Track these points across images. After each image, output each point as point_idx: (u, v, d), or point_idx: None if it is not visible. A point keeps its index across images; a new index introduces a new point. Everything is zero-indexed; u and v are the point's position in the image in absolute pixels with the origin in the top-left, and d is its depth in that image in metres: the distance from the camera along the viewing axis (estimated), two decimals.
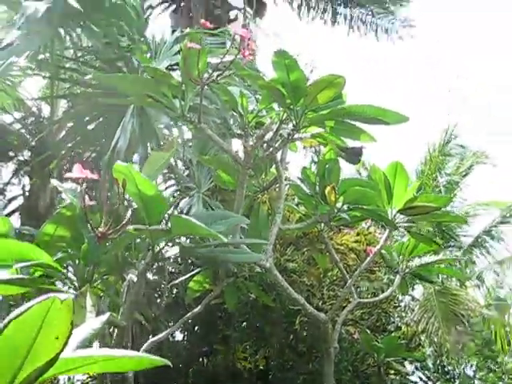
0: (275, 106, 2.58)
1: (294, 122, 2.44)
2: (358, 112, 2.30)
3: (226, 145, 2.48)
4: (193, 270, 3.14)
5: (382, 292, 4.78)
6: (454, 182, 10.55)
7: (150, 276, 3.85)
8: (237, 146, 4.06)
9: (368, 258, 3.27)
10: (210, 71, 2.33)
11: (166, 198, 1.85)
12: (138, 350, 2.49)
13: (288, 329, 4.18)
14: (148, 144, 3.24)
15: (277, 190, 3.46)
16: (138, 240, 2.35)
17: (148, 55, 3.69)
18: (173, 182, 4.30)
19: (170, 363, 0.92)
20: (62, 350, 0.79)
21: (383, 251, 3.40)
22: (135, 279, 2.75)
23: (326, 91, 2.25)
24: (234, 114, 2.73)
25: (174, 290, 4.58)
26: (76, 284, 1.94)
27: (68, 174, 1.58)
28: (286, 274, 3.98)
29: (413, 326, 7.27)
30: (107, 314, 1.22)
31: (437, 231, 9.07)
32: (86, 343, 0.95)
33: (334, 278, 4.36)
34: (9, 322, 0.76)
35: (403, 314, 6.24)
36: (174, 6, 10.37)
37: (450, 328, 8.10)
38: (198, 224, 1.59)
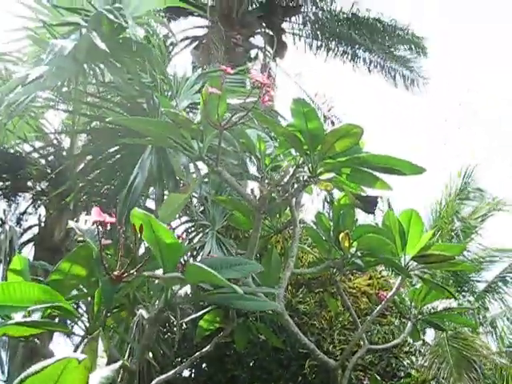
0: (292, 150, 2.61)
1: (311, 168, 2.46)
2: (375, 161, 2.31)
3: (242, 189, 2.50)
4: (203, 307, 3.14)
5: (393, 335, 4.74)
6: (470, 227, 10.45)
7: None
8: (252, 184, 4.11)
9: (380, 306, 3.24)
10: (229, 115, 2.36)
11: (182, 245, 1.86)
12: None
13: (297, 372, 4.13)
14: (165, 182, 3.28)
15: (291, 231, 3.48)
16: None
17: (169, 93, 3.77)
18: (187, 217, 4.32)
19: None
20: None
21: (395, 297, 3.38)
22: (145, 315, 2.76)
23: (343, 140, 2.27)
24: (251, 157, 2.76)
25: (183, 326, 4.57)
26: (87, 325, 1.95)
27: (86, 217, 1.61)
28: (297, 316, 3.96)
29: (423, 371, 7.15)
30: (119, 363, 1.23)
31: (451, 275, 8.98)
32: None
33: (345, 322, 4.31)
34: (25, 378, 0.77)
35: (414, 359, 6.15)
36: (195, 44, 10.58)
37: (461, 374, 7.95)
38: (213, 273, 1.60)
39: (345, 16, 12.89)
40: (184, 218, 4.32)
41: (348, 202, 2.83)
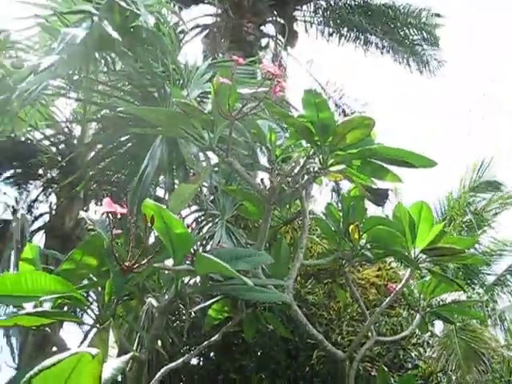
0: (303, 141, 2.60)
1: (322, 160, 2.45)
2: (386, 154, 2.30)
3: (252, 180, 2.50)
4: (212, 296, 3.15)
5: (401, 327, 4.74)
6: (483, 219, 10.37)
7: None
8: (261, 174, 4.11)
9: (389, 298, 3.24)
10: (240, 105, 2.36)
11: (192, 236, 1.87)
12: (154, 376, 2.50)
13: (305, 362, 4.14)
14: (175, 172, 3.28)
15: (300, 222, 3.48)
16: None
17: (180, 82, 3.76)
18: (197, 207, 4.32)
19: None
20: None
21: (404, 289, 3.38)
22: (155, 304, 2.78)
23: (354, 131, 2.26)
24: (262, 147, 2.76)
25: (192, 315, 4.59)
26: (97, 313, 1.97)
27: (97, 208, 1.61)
28: (305, 307, 3.97)
29: (431, 363, 7.14)
30: (130, 354, 1.24)
31: (460, 268, 8.94)
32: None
33: (354, 313, 4.32)
34: (39, 372, 0.78)
35: (422, 350, 6.14)
36: (205, 32, 10.53)
37: (470, 367, 7.93)
38: (223, 264, 1.60)
39: (356, 3, 12.86)
40: (194, 208, 4.33)
41: (358, 194, 2.83)
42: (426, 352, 6.53)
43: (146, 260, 1.68)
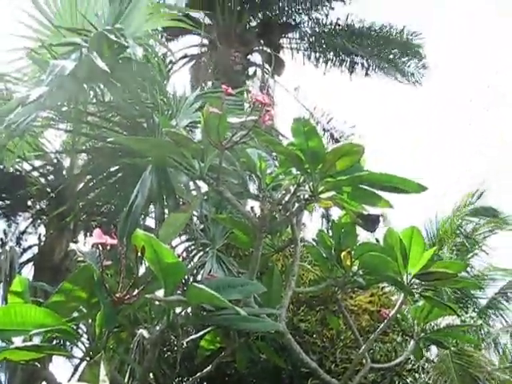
0: (293, 169, 2.61)
1: (312, 187, 2.46)
2: (376, 180, 2.31)
3: (243, 208, 2.50)
4: (204, 327, 3.12)
5: (395, 353, 4.70)
6: (475, 242, 10.42)
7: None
8: (251, 202, 4.11)
9: (382, 324, 3.22)
10: (230, 134, 2.36)
11: (183, 266, 1.85)
12: None
13: None
14: (165, 201, 3.27)
15: (291, 249, 3.47)
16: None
17: (169, 112, 3.78)
18: (187, 236, 4.30)
19: None
20: None
21: (398, 315, 3.36)
22: (146, 335, 2.74)
23: (344, 158, 2.27)
24: (252, 175, 2.76)
25: (184, 346, 4.52)
26: (87, 346, 1.94)
27: (88, 239, 1.60)
28: (298, 335, 3.93)
29: None
30: None
31: (453, 291, 8.94)
32: None
33: (347, 340, 4.28)
34: None
35: (417, 376, 6.09)
36: (193, 62, 10.63)
37: None
38: (215, 294, 1.59)
39: (340, 27, 13.18)
40: (184, 237, 4.31)
41: (349, 221, 2.83)
42: (421, 378, 6.49)
43: (137, 291, 1.66)
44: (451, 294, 8.71)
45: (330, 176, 2.39)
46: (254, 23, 13.01)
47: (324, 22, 13.24)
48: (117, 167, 3.68)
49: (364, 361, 3.32)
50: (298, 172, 2.53)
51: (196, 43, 12.56)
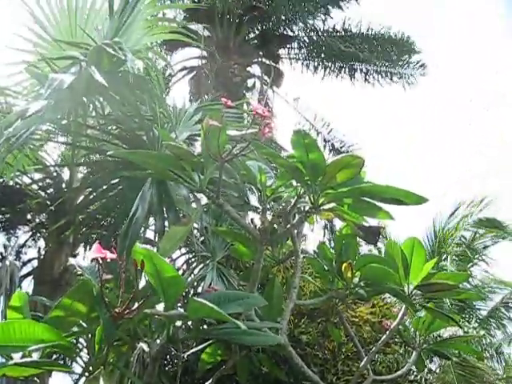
0: (293, 181, 2.61)
1: (312, 199, 2.45)
2: (376, 192, 2.31)
3: (243, 221, 2.49)
4: (205, 340, 3.10)
5: (397, 364, 4.67)
6: (475, 252, 10.40)
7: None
8: (251, 214, 4.09)
9: (384, 336, 3.21)
10: (230, 147, 2.36)
11: (183, 280, 1.84)
12: None
13: None
14: (165, 214, 3.27)
15: (292, 261, 3.46)
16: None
17: (168, 125, 3.78)
18: (187, 249, 4.29)
19: None
20: None
21: (399, 326, 3.34)
22: (146, 349, 2.72)
23: (344, 170, 2.26)
24: (252, 187, 2.76)
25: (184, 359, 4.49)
26: (86, 360, 1.92)
27: (87, 253, 1.60)
28: (299, 347, 3.90)
29: None
30: None
31: (454, 302, 8.91)
32: None
33: (349, 353, 4.25)
34: None
35: None
36: (192, 74, 10.65)
37: None
38: (215, 308, 1.57)
39: (338, 34, 13.26)
40: (184, 250, 4.29)
41: (350, 232, 2.82)
42: None
43: (136, 305, 1.65)
44: (453, 304, 8.67)
45: (331, 188, 2.39)
46: (252, 35, 13.08)
47: (321, 29, 13.33)
48: (117, 180, 3.68)
49: (366, 373, 3.30)
50: (299, 184, 2.53)
51: (195, 56, 12.64)
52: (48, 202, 5.32)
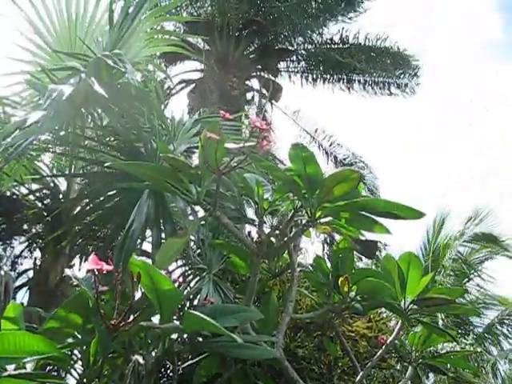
0: (291, 194, 2.61)
1: (309, 212, 2.45)
2: (374, 206, 2.31)
3: (240, 234, 2.49)
4: (200, 353, 3.08)
5: (393, 379, 4.65)
6: (471, 268, 10.40)
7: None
8: (248, 227, 4.08)
9: (380, 351, 3.20)
10: (228, 160, 2.37)
11: (180, 293, 1.84)
12: None
13: None
14: (162, 226, 3.26)
15: (289, 274, 3.45)
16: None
17: (167, 137, 3.78)
18: (184, 261, 4.27)
19: None
20: None
21: (395, 341, 3.34)
22: (141, 361, 2.71)
23: (342, 184, 2.27)
24: (249, 200, 2.76)
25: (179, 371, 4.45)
26: (82, 374, 1.91)
27: (83, 265, 1.59)
28: (295, 361, 3.88)
29: None
30: None
31: (450, 316, 8.90)
32: None
33: (345, 367, 4.23)
34: None
35: None
36: (190, 87, 10.68)
37: None
38: (211, 322, 1.57)
39: (336, 46, 13.35)
40: (180, 262, 4.27)
41: (347, 246, 2.82)
42: None
43: (132, 318, 1.64)
44: (451, 319, 8.65)
45: (328, 201, 2.39)
46: (251, 49, 13.15)
47: (319, 41, 13.43)
48: (114, 191, 3.67)
49: None
50: (296, 197, 2.53)
51: (193, 69, 12.69)
52: (45, 213, 5.31)
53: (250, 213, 3.05)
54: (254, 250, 2.45)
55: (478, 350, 9.81)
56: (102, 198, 3.70)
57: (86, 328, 1.97)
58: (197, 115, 4.16)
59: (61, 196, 5.44)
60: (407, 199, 2.31)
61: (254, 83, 12.84)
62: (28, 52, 4.52)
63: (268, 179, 2.95)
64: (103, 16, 4.55)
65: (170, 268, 3.84)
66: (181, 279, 4.08)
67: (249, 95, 12.23)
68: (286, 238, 2.55)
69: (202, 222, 3.68)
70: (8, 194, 5.44)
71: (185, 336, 2.46)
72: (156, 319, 1.97)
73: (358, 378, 3.10)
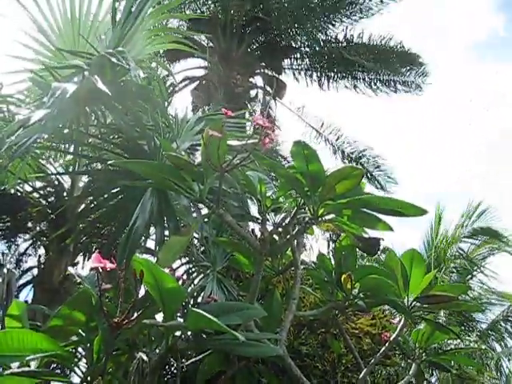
0: (293, 192, 2.62)
1: (312, 210, 2.45)
2: (376, 203, 2.31)
3: (243, 231, 2.49)
4: (204, 350, 3.09)
5: (397, 376, 4.65)
6: (473, 264, 10.38)
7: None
8: (252, 224, 4.09)
9: (383, 348, 3.20)
10: (231, 157, 2.37)
11: (183, 290, 1.84)
12: None
13: None
14: (165, 224, 3.27)
15: (292, 272, 3.45)
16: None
17: (170, 135, 3.79)
18: (187, 258, 4.28)
19: None
20: None
21: (399, 338, 3.34)
22: (145, 358, 2.72)
23: (344, 182, 2.27)
24: (252, 198, 2.76)
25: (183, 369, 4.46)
26: (86, 372, 1.92)
27: (87, 263, 1.60)
28: (299, 359, 3.88)
29: None
30: None
31: (454, 313, 8.88)
32: None
33: (349, 365, 4.24)
34: None
35: None
36: (194, 84, 10.67)
37: None
38: (214, 320, 1.57)
39: (339, 45, 13.33)
40: (184, 259, 4.28)
41: (350, 243, 2.82)
42: None
43: (135, 316, 1.64)
44: (454, 317, 8.64)
45: (330, 199, 2.39)
46: (254, 46, 13.14)
47: (324, 39, 13.40)
48: (117, 189, 3.68)
49: None
50: (298, 195, 2.53)
51: (197, 66, 12.69)
52: (49, 211, 5.33)
53: (253, 210, 3.06)
54: (258, 248, 2.46)
55: (482, 347, 9.80)
56: (105, 196, 3.71)
57: (89, 326, 1.98)
58: (200, 112, 4.16)
59: (65, 194, 5.45)
60: (409, 197, 2.31)
61: (258, 80, 12.84)
62: (31, 50, 4.53)
63: (271, 177, 2.95)
64: (106, 14, 4.55)
65: (174, 265, 3.85)
66: (185, 277, 4.09)
67: (253, 92, 12.23)
68: (288, 236, 2.55)
69: (206, 220, 3.69)
70: (12, 191, 5.46)
71: (188, 333, 2.47)
72: (160, 317, 1.98)
73: (362, 374, 3.10)
